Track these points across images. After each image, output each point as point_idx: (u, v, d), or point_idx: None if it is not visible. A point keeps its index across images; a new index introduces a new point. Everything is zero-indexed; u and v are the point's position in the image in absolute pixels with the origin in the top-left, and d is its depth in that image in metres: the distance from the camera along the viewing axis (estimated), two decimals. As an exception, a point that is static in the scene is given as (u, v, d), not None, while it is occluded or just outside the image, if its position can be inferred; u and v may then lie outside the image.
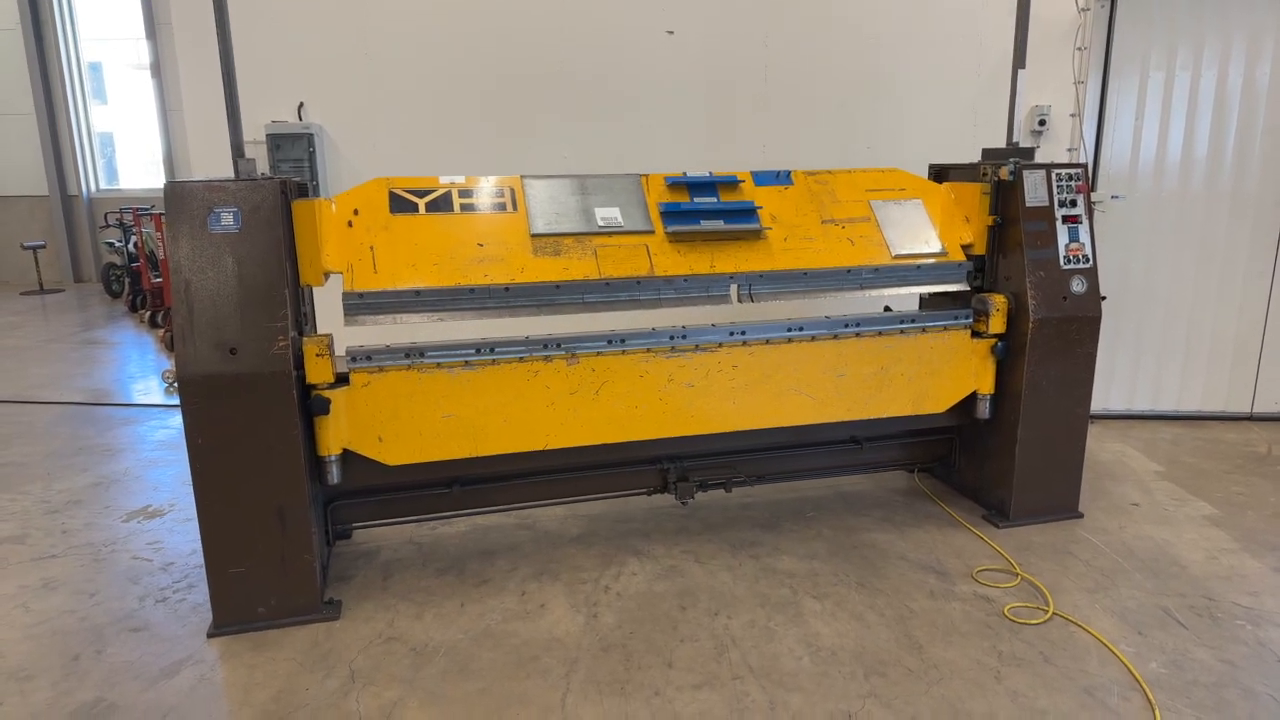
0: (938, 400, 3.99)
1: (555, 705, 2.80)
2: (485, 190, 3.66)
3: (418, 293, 3.35)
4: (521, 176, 3.74)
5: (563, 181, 3.78)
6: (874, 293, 3.88)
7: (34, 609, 3.43)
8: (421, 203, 3.54)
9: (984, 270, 4.09)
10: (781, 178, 3.99)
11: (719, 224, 3.72)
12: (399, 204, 3.51)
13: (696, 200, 3.81)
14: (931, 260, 3.91)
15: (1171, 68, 5.26)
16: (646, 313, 3.63)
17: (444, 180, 3.64)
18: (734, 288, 3.69)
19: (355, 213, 3.43)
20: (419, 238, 3.46)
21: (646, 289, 3.59)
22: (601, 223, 3.67)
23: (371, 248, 3.38)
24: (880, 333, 3.82)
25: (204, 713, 2.78)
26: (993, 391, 4.05)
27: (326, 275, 3.33)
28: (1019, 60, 4.05)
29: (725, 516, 4.26)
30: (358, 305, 3.30)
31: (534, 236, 3.56)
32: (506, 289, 3.43)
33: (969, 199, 4.05)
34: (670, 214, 3.72)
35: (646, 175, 3.87)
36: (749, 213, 3.78)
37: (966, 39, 5.90)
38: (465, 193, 3.63)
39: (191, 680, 2.95)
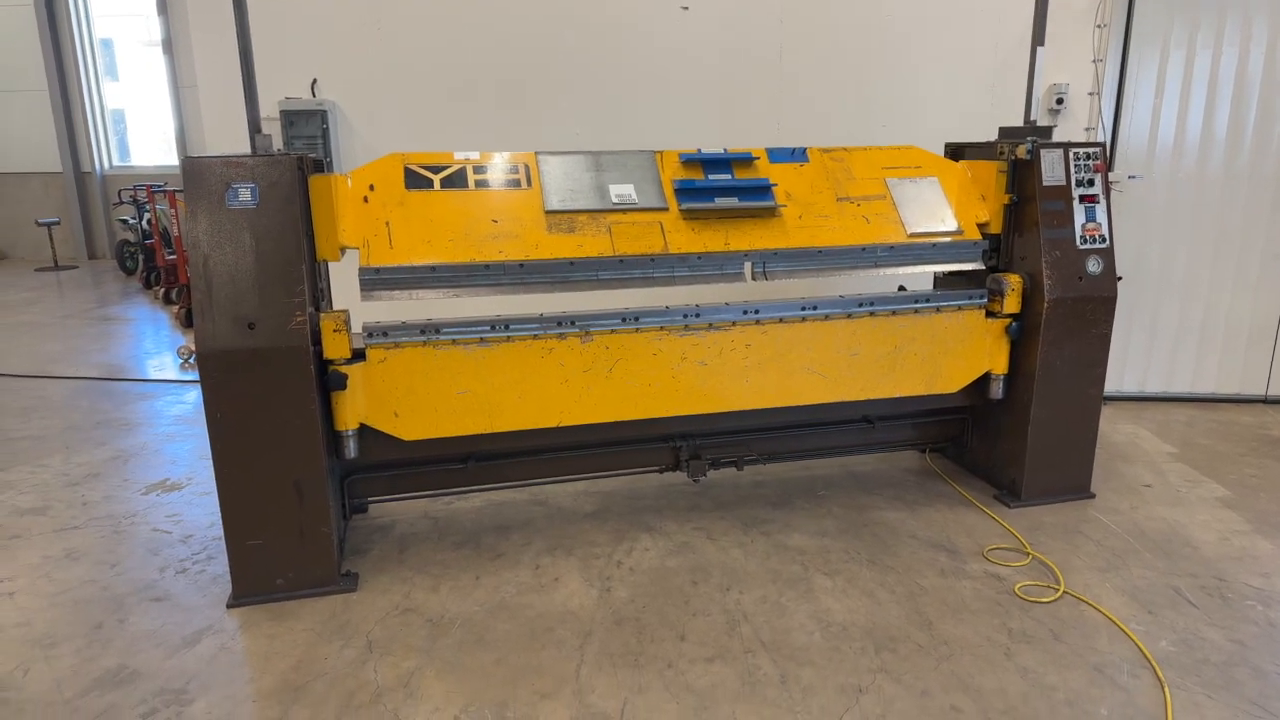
0: (951, 380, 3.99)
1: (570, 675, 2.84)
2: (500, 166, 3.66)
3: (433, 269, 3.36)
4: (536, 153, 3.73)
5: (577, 158, 3.78)
6: (889, 271, 3.86)
7: (57, 578, 3.49)
8: (436, 179, 3.55)
9: (1000, 249, 4.07)
10: (797, 155, 3.97)
11: (733, 201, 3.71)
12: (414, 180, 3.52)
13: (711, 177, 3.79)
14: (947, 239, 3.90)
15: (1192, 46, 5.19)
16: (660, 290, 3.64)
17: (459, 156, 3.64)
18: (748, 265, 3.69)
19: (371, 188, 3.44)
20: (434, 214, 3.46)
21: (660, 266, 3.59)
22: (616, 199, 3.67)
23: (387, 223, 3.40)
24: (894, 312, 3.82)
25: (225, 680, 2.83)
26: (1006, 372, 4.05)
27: (343, 251, 3.35)
28: (1038, 37, 4.01)
29: (737, 494, 4.28)
30: (374, 281, 3.31)
31: (548, 213, 3.57)
32: (521, 265, 3.44)
33: (985, 177, 4.03)
34: (684, 191, 3.71)
35: (661, 152, 3.85)
36: (764, 190, 3.77)
37: (984, 16, 5.83)
38: (480, 169, 3.63)
39: (213, 649, 3.00)
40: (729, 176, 3.82)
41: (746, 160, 3.88)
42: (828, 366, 3.80)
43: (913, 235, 3.85)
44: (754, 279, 3.70)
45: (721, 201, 3.70)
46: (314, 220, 3.24)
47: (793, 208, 3.81)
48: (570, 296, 3.55)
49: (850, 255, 3.79)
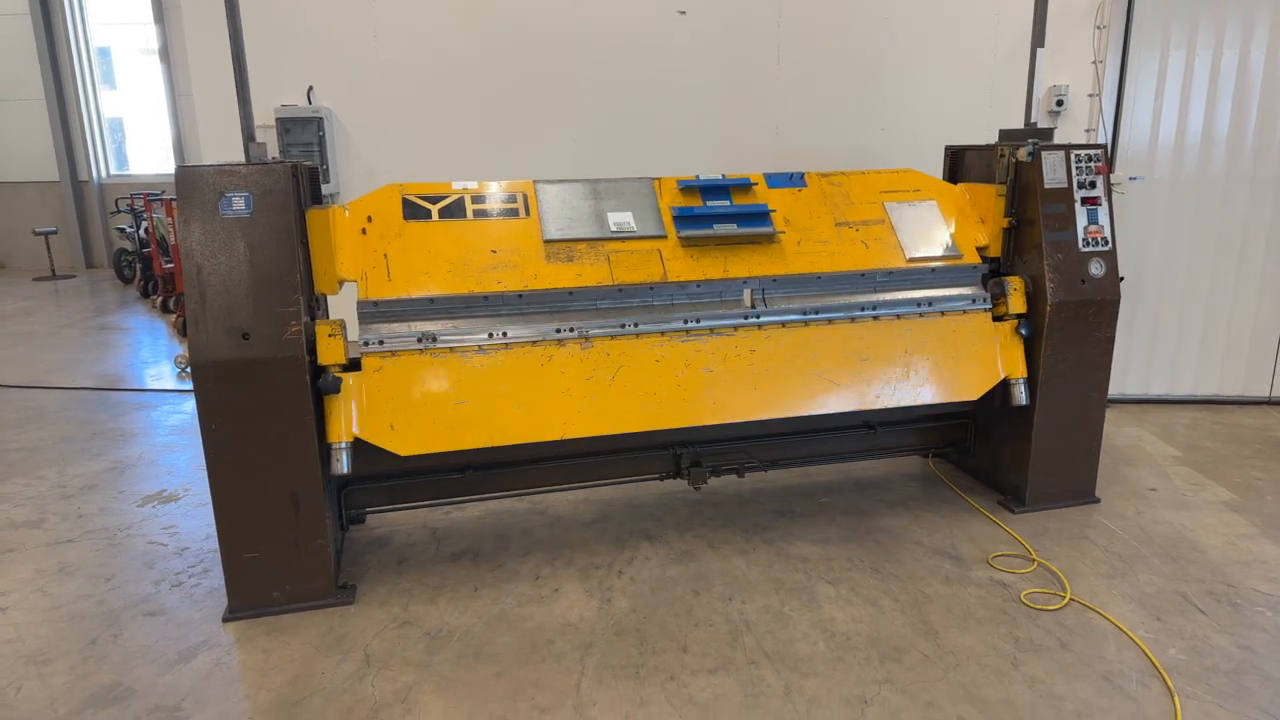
0: (969, 386, 3.83)
1: (570, 689, 2.80)
2: (497, 196, 3.64)
3: (432, 300, 3.34)
4: (534, 182, 3.71)
5: (575, 186, 3.76)
6: (888, 296, 3.80)
7: (51, 593, 3.45)
8: (435, 209, 3.52)
9: (999, 272, 4.01)
10: (795, 180, 3.94)
11: (732, 228, 3.68)
12: (412, 211, 3.49)
13: (709, 204, 3.77)
14: (946, 263, 3.85)
15: (1192, 47, 5.16)
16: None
17: (457, 186, 3.62)
18: (747, 292, 3.65)
19: (369, 220, 3.42)
20: (432, 245, 3.44)
21: (660, 295, 3.56)
22: (614, 228, 3.64)
23: (385, 255, 3.37)
24: (899, 316, 3.77)
25: (221, 696, 2.79)
26: (1025, 375, 3.89)
27: (341, 283, 3.32)
28: (1038, 39, 3.98)
29: (738, 502, 4.24)
30: (372, 314, 3.29)
31: (547, 242, 3.54)
32: (520, 296, 3.41)
33: (984, 200, 4.00)
34: (683, 218, 3.69)
35: (659, 179, 3.83)
36: (762, 216, 3.74)
37: (983, 17, 5.81)
38: (478, 199, 3.60)
39: (208, 664, 2.96)
40: (727, 203, 3.78)
41: (744, 186, 3.85)
42: (837, 372, 3.72)
43: (912, 260, 3.81)
44: (753, 306, 3.66)
45: (720, 228, 3.67)
46: (312, 253, 3.22)
47: (791, 233, 3.77)
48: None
49: (849, 281, 3.75)
